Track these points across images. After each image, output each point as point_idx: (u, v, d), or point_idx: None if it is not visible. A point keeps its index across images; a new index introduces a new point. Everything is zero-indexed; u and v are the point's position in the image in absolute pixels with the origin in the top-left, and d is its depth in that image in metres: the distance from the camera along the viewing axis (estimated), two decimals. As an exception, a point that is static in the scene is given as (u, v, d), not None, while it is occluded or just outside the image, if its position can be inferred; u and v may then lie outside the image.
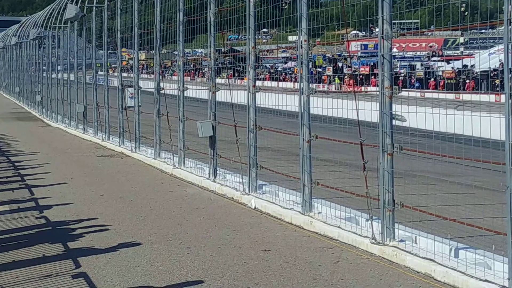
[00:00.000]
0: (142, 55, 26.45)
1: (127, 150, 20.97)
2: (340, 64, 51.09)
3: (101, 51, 25.47)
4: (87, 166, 18.76)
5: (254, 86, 12.96)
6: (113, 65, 26.57)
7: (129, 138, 21.36)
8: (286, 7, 12.65)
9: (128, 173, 17.20)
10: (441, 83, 42.96)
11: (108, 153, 21.35)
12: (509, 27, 7.21)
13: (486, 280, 7.64)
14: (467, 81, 37.97)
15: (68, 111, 31.06)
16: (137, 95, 20.46)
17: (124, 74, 23.72)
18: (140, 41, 20.31)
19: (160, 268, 8.73)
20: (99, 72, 26.72)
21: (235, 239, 10.31)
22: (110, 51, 24.36)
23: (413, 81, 40.75)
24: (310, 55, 11.37)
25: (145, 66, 33.73)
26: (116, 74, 23.51)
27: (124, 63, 25.89)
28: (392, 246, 9.14)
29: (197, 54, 30.47)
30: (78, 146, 23.88)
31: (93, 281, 8.10)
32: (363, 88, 23.32)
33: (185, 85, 16.63)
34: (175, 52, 18.46)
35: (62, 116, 32.41)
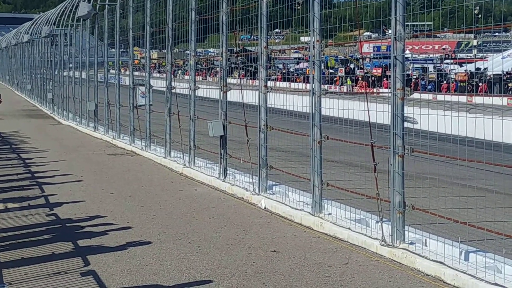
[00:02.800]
0: (154, 54, 26.49)
1: (137, 149, 20.99)
2: (352, 66, 51.04)
3: (113, 50, 25.51)
4: (97, 164, 18.78)
5: (265, 86, 12.94)
6: (124, 64, 26.58)
7: (140, 137, 21.37)
8: (299, 7, 12.61)
9: (138, 172, 17.21)
10: (453, 86, 42.84)
11: (119, 152, 21.37)
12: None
13: (496, 284, 7.60)
14: (480, 84, 37.81)
15: (79, 109, 31.12)
16: (148, 94, 20.47)
17: (136, 73, 23.72)
18: (152, 40, 20.31)
19: (169, 267, 8.71)
20: (111, 71, 26.75)
21: (245, 239, 10.29)
22: (122, 49, 24.38)
23: (426, 82, 40.66)
24: (322, 56, 11.34)
25: (156, 65, 33.75)
26: (127, 72, 23.53)
27: (136, 61, 25.90)
28: (402, 249, 9.10)
29: (209, 53, 30.47)
30: (89, 144, 23.91)
31: (102, 279, 8.09)
32: (374, 90, 23.29)
33: (196, 85, 16.62)
34: (187, 52, 18.45)
35: (73, 114, 32.47)
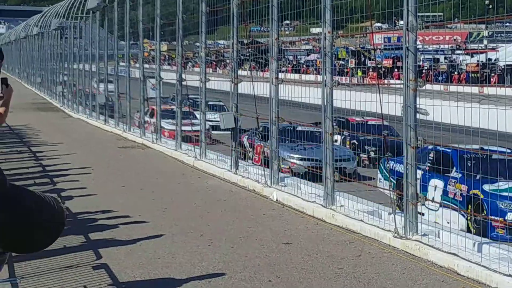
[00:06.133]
0: (164, 46, 26.45)
1: (148, 142, 20.97)
2: (362, 58, 50.92)
3: (123, 42, 25.47)
4: (108, 157, 18.78)
5: (276, 78, 12.90)
6: (134, 56, 26.56)
7: (150, 130, 21.36)
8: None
9: (149, 165, 17.20)
10: (463, 77, 42.67)
11: (129, 145, 21.37)
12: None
13: (510, 275, 7.57)
14: (492, 74, 37.66)
15: (90, 102, 31.13)
16: (159, 86, 20.45)
17: (146, 65, 23.70)
18: (162, 32, 20.27)
19: (181, 260, 8.69)
20: (121, 63, 26.72)
21: (257, 231, 10.27)
22: (132, 42, 24.35)
23: (437, 72, 40.47)
24: (333, 47, 11.29)
25: (166, 57, 33.72)
26: (137, 65, 23.51)
27: (146, 54, 25.86)
28: (415, 240, 9.06)
29: (219, 45, 30.41)
30: (99, 137, 23.92)
31: (114, 273, 8.08)
32: (385, 82, 23.21)
33: (207, 77, 16.59)
34: (197, 44, 18.42)
35: (83, 107, 32.48)
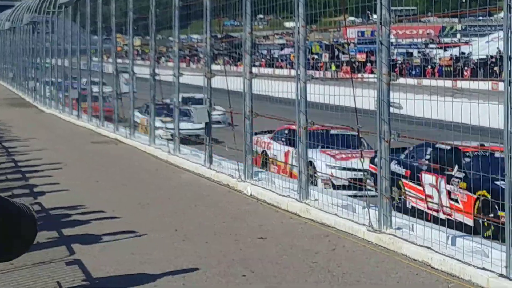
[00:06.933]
0: (137, 41, 26.32)
1: (121, 137, 20.87)
2: (336, 52, 51.00)
3: (95, 37, 25.31)
4: (82, 152, 18.67)
5: (250, 72, 12.87)
6: (107, 51, 26.41)
7: (124, 125, 21.26)
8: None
9: (122, 160, 17.12)
10: (436, 70, 42.89)
11: (103, 140, 21.25)
12: (510, 14, 7.12)
13: (483, 268, 7.60)
14: (465, 68, 37.89)
15: (62, 97, 30.91)
16: (132, 81, 20.35)
17: (119, 60, 23.58)
18: (135, 27, 20.17)
19: (155, 255, 8.65)
20: (94, 58, 26.56)
21: (231, 226, 10.25)
22: (105, 36, 24.19)
23: (411, 66, 40.65)
24: (307, 41, 11.28)
25: (140, 52, 33.57)
26: (111, 60, 23.37)
27: (119, 49, 25.73)
28: (389, 234, 9.08)
29: (193, 40, 30.33)
30: (72, 132, 23.77)
31: (88, 269, 8.02)
32: (359, 75, 23.26)
33: (180, 71, 16.52)
34: (170, 38, 18.34)
35: (56, 102, 32.25)
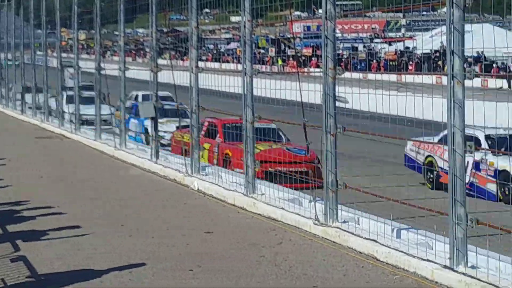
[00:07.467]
0: (82, 35, 26.07)
1: (67, 132, 20.67)
2: (283, 46, 51.15)
3: (39, 31, 25.00)
4: (25, 148, 18.43)
5: (196, 66, 12.85)
6: (51, 45, 26.12)
7: (69, 120, 21.05)
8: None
9: (68, 155, 16.95)
10: (381, 64, 43.29)
11: (47, 135, 21.01)
12: (452, 9, 7.22)
13: (428, 260, 7.69)
14: (409, 62, 38.35)
15: (6, 92, 30.49)
16: (77, 76, 20.17)
17: (64, 55, 23.33)
18: (80, 21, 19.97)
19: (102, 251, 8.58)
20: (38, 52, 26.24)
21: (178, 221, 10.23)
22: (49, 30, 23.91)
23: (356, 60, 41.00)
24: (253, 35, 11.30)
25: (85, 46, 33.27)
26: (55, 54, 23.12)
27: (63, 43, 25.46)
28: (335, 227, 9.14)
29: (138, 34, 30.14)
30: (16, 127, 23.47)
31: (33, 265, 7.93)
32: (305, 69, 23.39)
33: (126, 66, 16.42)
34: (116, 32, 18.21)
35: None
